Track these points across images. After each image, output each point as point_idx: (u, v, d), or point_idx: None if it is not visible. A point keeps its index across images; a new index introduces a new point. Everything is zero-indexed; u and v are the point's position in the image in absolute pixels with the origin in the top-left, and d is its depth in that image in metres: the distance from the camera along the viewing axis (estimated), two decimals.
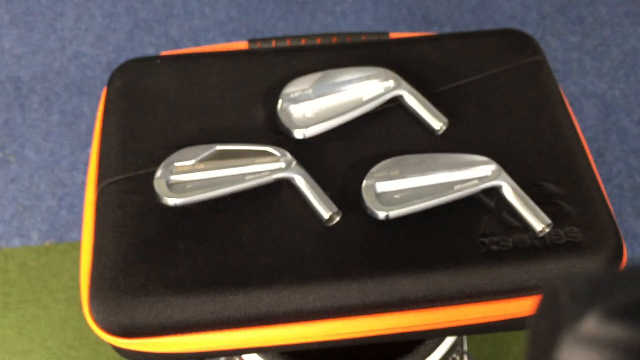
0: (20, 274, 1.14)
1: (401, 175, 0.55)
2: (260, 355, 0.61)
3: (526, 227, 0.54)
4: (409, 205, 0.53)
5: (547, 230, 0.53)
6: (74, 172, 1.24)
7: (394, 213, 0.53)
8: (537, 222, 0.53)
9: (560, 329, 0.27)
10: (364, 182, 0.54)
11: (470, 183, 0.55)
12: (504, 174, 0.55)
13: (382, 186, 0.54)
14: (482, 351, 1.03)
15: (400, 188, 0.54)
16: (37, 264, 1.15)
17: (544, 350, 0.28)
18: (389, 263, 0.52)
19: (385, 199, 0.54)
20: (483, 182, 0.55)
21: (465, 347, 0.70)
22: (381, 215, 0.53)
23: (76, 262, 1.14)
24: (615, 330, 0.26)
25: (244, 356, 0.62)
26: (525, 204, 0.54)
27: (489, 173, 0.55)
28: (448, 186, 0.54)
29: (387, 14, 1.43)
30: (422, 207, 0.54)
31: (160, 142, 0.59)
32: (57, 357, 1.06)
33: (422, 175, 0.55)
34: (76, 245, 1.17)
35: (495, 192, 0.55)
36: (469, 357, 0.69)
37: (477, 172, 0.55)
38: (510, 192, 0.55)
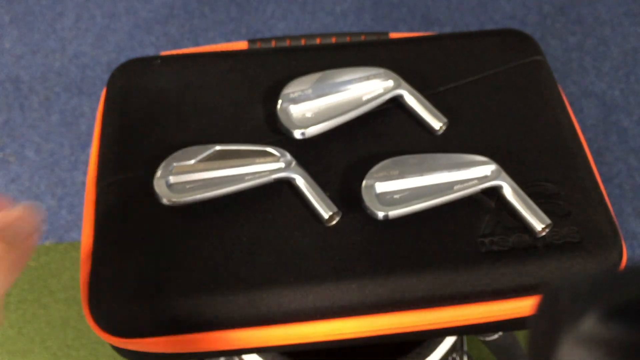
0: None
1: (401, 176, 0.55)
2: (260, 355, 0.61)
3: (526, 227, 0.54)
4: (409, 205, 0.53)
5: (547, 230, 0.53)
6: (74, 172, 1.24)
7: (394, 213, 0.53)
8: (537, 222, 0.53)
9: (560, 328, 0.27)
10: (364, 182, 0.54)
11: (470, 183, 0.55)
12: (504, 174, 0.55)
13: (381, 186, 0.54)
14: (482, 351, 1.03)
15: (399, 188, 0.54)
16: (37, 264, 1.15)
17: (544, 350, 0.28)
18: (389, 263, 0.52)
19: (385, 199, 0.54)
20: (483, 182, 0.55)
21: (465, 347, 0.70)
22: (381, 215, 0.53)
23: (76, 262, 1.14)
24: (614, 330, 0.26)
25: (244, 356, 0.62)
26: (525, 204, 0.54)
27: (488, 173, 0.55)
28: (448, 186, 0.54)
29: (387, 14, 1.43)
30: (421, 207, 0.54)
31: (160, 142, 0.59)
32: (57, 357, 1.06)
33: (421, 175, 0.55)
34: (76, 245, 1.17)
35: (495, 192, 0.55)
36: (469, 357, 0.69)
37: (477, 172, 0.55)
38: (510, 192, 0.55)
